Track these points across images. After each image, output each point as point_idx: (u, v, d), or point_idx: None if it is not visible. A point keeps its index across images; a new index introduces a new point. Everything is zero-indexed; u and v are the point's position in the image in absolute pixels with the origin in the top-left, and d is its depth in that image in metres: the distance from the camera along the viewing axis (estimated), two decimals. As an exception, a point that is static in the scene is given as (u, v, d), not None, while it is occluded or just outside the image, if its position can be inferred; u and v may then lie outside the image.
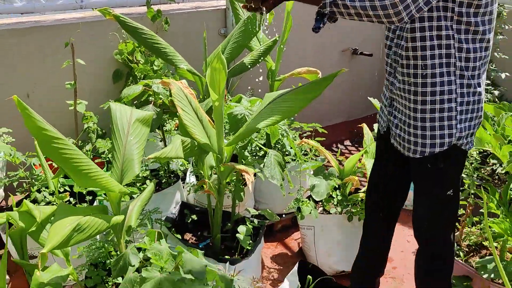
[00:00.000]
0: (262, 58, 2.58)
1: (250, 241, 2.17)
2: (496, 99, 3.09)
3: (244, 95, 2.58)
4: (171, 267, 1.54)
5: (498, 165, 2.52)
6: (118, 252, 1.88)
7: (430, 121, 1.62)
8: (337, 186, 2.50)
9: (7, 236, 1.75)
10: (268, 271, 2.59)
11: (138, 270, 1.60)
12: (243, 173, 1.89)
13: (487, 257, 2.12)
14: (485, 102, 1.92)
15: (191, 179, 2.74)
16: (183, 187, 2.73)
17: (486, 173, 2.71)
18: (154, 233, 1.71)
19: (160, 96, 2.45)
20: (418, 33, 1.57)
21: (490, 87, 3.11)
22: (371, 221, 2.08)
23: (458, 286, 2.11)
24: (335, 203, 2.46)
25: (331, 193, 2.47)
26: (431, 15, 1.54)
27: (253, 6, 1.63)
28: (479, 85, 1.63)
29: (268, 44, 2.57)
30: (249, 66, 2.54)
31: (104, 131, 2.93)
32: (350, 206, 2.43)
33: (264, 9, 1.62)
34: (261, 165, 2.31)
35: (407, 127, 1.68)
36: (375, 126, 2.36)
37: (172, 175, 2.68)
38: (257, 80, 2.69)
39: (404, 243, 2.84)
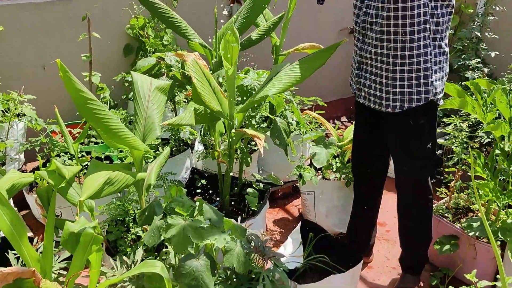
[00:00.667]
0: (268, 33, 2.73)
1: (257, 203, 2.36)
2: (486, 77, 3.27)
3: (252, 68, 2.74)
4: (192, 217, 1.72)
5: (485, 136, 2.72)
6: (139, 207, 2.06)
7: (408, 80, 1.84)
8: (336, 155, 2.69)
9: (38, 195, 1.90)
10: (271, 233, 2.79)
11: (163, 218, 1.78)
12: (254, 138, 2.06)
13: (473, 218, 2.32)
14: (477, 78, 2.14)
15: (199, 147, 2.91)
16: (192, 154, 2.90)
17: (475, 146, 2.91)
18: (175, 188, 1.89)
19: (172, 68, 2.61)
20: (401, 3, 1.75)
21: (480, 65, 3.30)
22: (357, 185, 2.33)
23: (446, 244, 2.31)
24: (334, 169, 2.65)
25: (330, 161, 2.66)
26: None
27: None
28: (446, 45, 1.87)
29: (274, 20, 2.72)
30: (256, 41, 2.70)
31: (116, 102, 3.09)
32: (348, 172, 2.61)
33: None
34: (267, 133, 2.48)
35: (384, 86, 1.88)
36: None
37: (182, 144, 2.85)
38: (260, 54, 2.84)
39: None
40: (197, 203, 1.75)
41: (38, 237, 2.50)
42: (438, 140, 2.71)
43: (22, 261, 1.79)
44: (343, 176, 2.62)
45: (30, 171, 2.73)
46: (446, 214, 2.43)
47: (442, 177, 2.70)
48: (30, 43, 2.89)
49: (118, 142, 1.77)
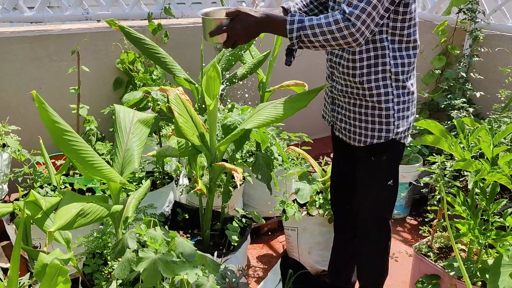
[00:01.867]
0: (253, 70, 2.78)
1: (237, 238, 2.35)
2: (471, 116, 3.31)
3: (239, 104, 2.78)
4: (164, 250, 1.71)
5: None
6: (115, 240, 2.04)
7: (371, 116, 1.88)
8: (319, 191, 2.69)
9: (19, 225, 1.90)
10: (254, 270, 2.75)
11: (135, 251, 1.77)
12: (232, 172, 2.07)
13: (454, 257, 2.30)
14: (462, 117, 2.17)
15: (184, 181, 2.91)
16: (176, 188, 2.90)
17: (461, 185, 2.91)
18: (149, 221, 1.88)
19: (158, 102, 2.65)
20: (358, 47, 1.80)
21: (466, 104, 3.33)
22: (336, 217, 2.36)
23: (427, 284, 2.28)
24: (317, 206, 2.64)
25: (314, 197, 2.65)
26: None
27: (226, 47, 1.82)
28: (412, 85, 1.89)
29: (259, 58, 2.78)
30: (241, 77, 2.75)
31: (103, 134, 3.11)
32: (330, 209, 2.61)
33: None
34: (251, 168, 2.49)
35: (352, 120, 1.93)
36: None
37: (166, 177, 2.86)
38: (247, 90, 2.89)
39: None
40: (171, 237, 1.74)
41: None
42: (423, 179, 2.73)
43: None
44: (326, 212, 2.61)
45: (10, 203, 2.72)
46: (428, 253, 2.41)
47: (425, 216, 2.69)
48: (20, 75, 2.94)
49: (94, 174, 1.78)
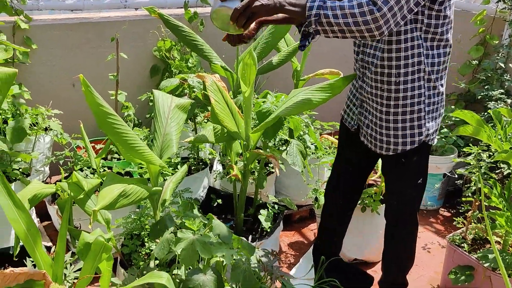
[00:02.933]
0: (288, 58, 2.80)
1: (270, 224, 2.38)
2: (510, 107, 3.25)
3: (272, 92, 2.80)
4: (201, 232, 1.76)
5: (507, 167, 2.68)
6: (154, 221, 2.11)
7: (402, 122, 1.81)
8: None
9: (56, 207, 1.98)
10: (285, 256, 2.79)
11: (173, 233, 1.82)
12: (269, 158, 2.10)
13: (489, 249, 2.28)
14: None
15: (218, 167, 2.96)
16: (210, 174, 2.95)
17: (497, 177, 2.87)
18: (187, 203, 1.93)
19: (194, 89, 2.69)
20: (395, 45, 1.72)
21: (504, 96, 3.27)
22: (330, 204, 2.32)
23: (461, 275, 2.27)
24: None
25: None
26: (406, 28, 1.70)
27: (237, 38, 1.73)
28: (442, 85, 1.82)
29: (294, 46, 2.79)
30: (276, 66, 2.77)
31: (140, 120, 3.19)
32: (364, 198, 2.61)
33: (247, 39, 1.75)
34: (283, 156, 2.51)
35: (378, 128, 1.86)
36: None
37: (201, 163, 2.91)
38: (281, 79, 2.90)
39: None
40: (208, 219, 1.79)
41: (55, 247, 2.58)
42: (458, 170, 2.70)
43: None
44: (358, 201, 2.62)
45: (53, 184, 2.83)
46: (462, 244, 2.40)
47: (460, 207, 2.67)
48: (61, 62, 3.03)
49: (135, 157, 1.83)
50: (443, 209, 3.38)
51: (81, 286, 1.52)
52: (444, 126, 3.34)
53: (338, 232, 2.37)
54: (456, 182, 3.27)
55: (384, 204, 2.31)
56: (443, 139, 3.23)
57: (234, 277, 1.65)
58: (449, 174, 3.23)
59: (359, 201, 2.60)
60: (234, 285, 1.76)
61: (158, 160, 1.90)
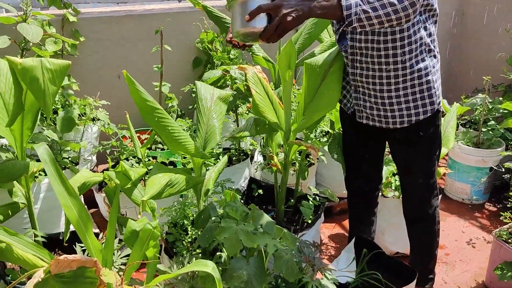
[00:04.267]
0: (331, 49, 2.76)
1: (311, 216, 2.38)
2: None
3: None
4: (244, 222, 1.78)
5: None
6: (197, 211, 2.15)
7: (412, 94, 1.83)
8: (395, 172, 2.65)
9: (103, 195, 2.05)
10: (326, 248, 2.79)
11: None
12: (309, 149, 2.09)
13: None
14: None
15: (258, 158, 2.98)
16: (251, 165, 2.98)
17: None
18: (229, 193, 1.96)
19: (236, 80, 2.71)
20: (398, 26, 1.69)
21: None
22: (353, 192, 2.36)
23: (507, 271, 2.21)
24: (393, 187, 2.62)
25: (390, 179, 2.63)
26: None
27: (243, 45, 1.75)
28: (438, 52, 1.86)
29: (337, 36, 2.76)
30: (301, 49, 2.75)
31: (183, 111, 3.24)
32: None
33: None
34: (325, 148, 2.51)
35: (388, 106, 1.86)
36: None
37: (242, 153, 2.94)
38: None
39: (458, 233, 2.95)
40: (251, 209, 1.81)
41: (103, 233, 2.67)
42: (506, 164, 2.62)
43: (87, 253, 1.93)
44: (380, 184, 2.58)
45: (101, 172, 2.92)
46: (509, 240, 2.33)
47: (507, 202, 2.59)
48: (107, 54, 3.12)
49: (179, 149, 1.87)
50: (489, 204, 3.28)
51: (129, 272, 1.57)
52: (491, 118, 3.24)
53: (366, 219, 2.39)
54: (503, 176, 3.17)
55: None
56: (490, 132, 3.14)
57: (277, 266, 1.66)
58: (496, 168, 3.13)
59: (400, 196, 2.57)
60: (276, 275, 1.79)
61: (200, 152, 1.94)
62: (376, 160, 2.24)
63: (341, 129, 2.29)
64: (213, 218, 1.82)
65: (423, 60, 1.80)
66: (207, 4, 2.64)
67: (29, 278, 1.94)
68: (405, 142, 1.99)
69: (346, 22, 1.51)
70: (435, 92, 1.86)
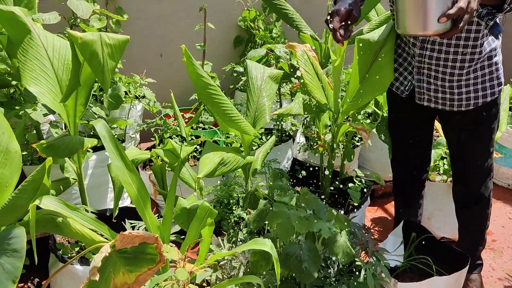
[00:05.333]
0: (378, 28, 2.68)
1: (359, 198, 2.34)
2: None
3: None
4: (294, 204, 1.75)
5: None
6: (244, 190, 2.13)
7: (482, 77, 1.78)
8: (443, 156, 2.58)
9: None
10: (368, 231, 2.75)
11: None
12: (359, 131, 2.05)
13: None
14: None
15: (301, 139, 2.94)
16: (294, 146, 2.94)
17: None
18: (277, 173, 1.93)
19: (280, 59, 2.67)
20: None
21: None
22: (400, 174, 2.30)
23: None
24: (441, 171, 2.55)
25: (437, 162, 2.56)
26: None
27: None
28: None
29: (386, 15, 2.67)
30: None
31: (224, 91, 3.21)
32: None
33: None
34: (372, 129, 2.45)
35: (456, 89, 1.81)
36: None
37: (284, 134, 2.90)
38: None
39: (505, 219, 2.87)
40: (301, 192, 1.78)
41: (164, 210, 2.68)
42: None
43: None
44: (450, 179, 2.52)
45: (147, 150, 2.93)
46: None
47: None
48: (150, 32, 3.10)
49: (231, 126, 1.85)
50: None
51: (183, 250, 1.56)
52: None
53: (413, 202, 2.35)
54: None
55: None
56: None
57: (332, 250, 1.63)
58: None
59: (449, 179, 2.51)
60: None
61: (252, 130, 1.91)
62: (426, 143, 2.18)
63: (388, 111, 2.23)
64: (264, 201, 1.80)
65: (493, 40, 1.76)
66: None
67: (78, 252, 1.96)
68: (469, 124, 1.92)
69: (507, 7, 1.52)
70: (501, 73, 1.82)
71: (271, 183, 1.93)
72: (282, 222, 1.65)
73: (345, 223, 1.74)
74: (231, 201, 2.26)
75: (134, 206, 1.85)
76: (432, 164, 2.51)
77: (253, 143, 2.60)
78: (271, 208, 1.72)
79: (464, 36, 1.71)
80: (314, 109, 2.26)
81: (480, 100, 1.81)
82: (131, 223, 2.03)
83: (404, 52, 1.95)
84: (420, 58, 1.85)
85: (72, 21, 2.29)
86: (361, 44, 2.00)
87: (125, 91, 2.68)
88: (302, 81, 2.17)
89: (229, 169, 1.79)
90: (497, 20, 1.71)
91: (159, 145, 2.65)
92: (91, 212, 2.00)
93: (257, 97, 2.04)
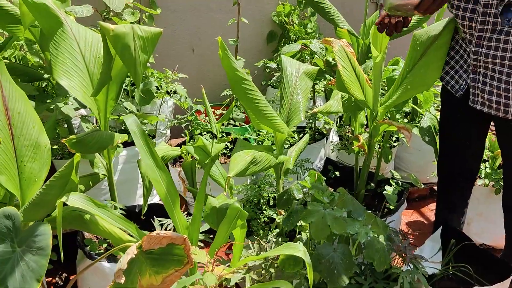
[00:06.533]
0: (420, 23, 2.57)
1: (395, 201, 2.24)
2: None
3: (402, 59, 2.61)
4: (330, 205, 1.68)
5: None
6: (276, 190, 2.07)
7: None
8: (486, 159, 2.46)
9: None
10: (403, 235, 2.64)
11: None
12: (401, 130, 1.95)
13: None
14: None
15: (334, 138, 2.85)
16: (327, 145, 2.86)
17: None
18: (314, 173, 1.86)
19: (316, 55, 2.58)
20: None
21: None
22: (448, 178, 2.15)
23: None
24: (483, 175, 2.42)
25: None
26: None
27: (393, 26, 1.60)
28: None
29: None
30: (408, 31, 2.55)
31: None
32: (498, 179, 2.37)
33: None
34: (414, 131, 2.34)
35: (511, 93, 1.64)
36: None
37: (317, 133, 2.82)
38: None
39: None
40: (339, 193, 1.70)
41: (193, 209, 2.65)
42: None
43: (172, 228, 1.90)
44: (492, 183, 2.39)
45: (177, 146, 2.90)
46: None
47: None
48: (182, 25, 3.06)
49: (265, 124, 1.79)
50: None
51: (213, 251, 1.51)
52: None
53: (458, 209, 2.21)
54: None
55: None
56: None
57: (368, 255, 1.55)
58: None
59: (493, 182, 2.38)
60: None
61: (286, 128, 1.84)
62: (478, 148, 2.05)
63: (440, 109, 2.12)
64: (297, 200, 1.73)
65: None
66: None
67: (106, 250, 1.94)
68: None
69: None
70: None
71: (308, 183, 1.85)
72: (317, 221, 1.58)
73: (383, 228, 1.65)
74: (262, 200, 2.20)
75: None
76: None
77: (285, 141, 2.54)
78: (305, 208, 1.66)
79: None
80: (351, 106, 2.17)
81: None
82: (160, 221, 1.99)
83: (461, 49, 1.83)
84: (475, 56, 1.72)
85: (104, 14, 2.26)
86: (414, 39, 1.92)
87: (156, 86, 2.65)
88: (339, 77, 2.09)
89: (260, 168, 1.73)
90: (480, 10, 1.58)
91: (189, 142, 2.61)
92: (120, 208, 1.97)
93: (291, 94, 1.97)
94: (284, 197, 1.80)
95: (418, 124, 2.30)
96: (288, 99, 1.96)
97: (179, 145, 2.72)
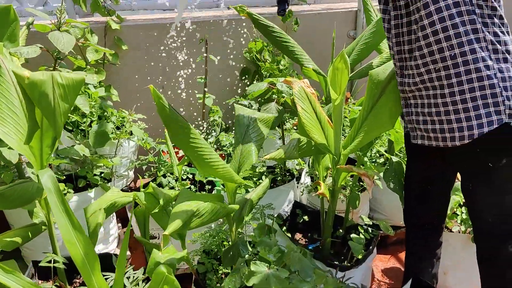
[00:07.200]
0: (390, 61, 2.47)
1: (362, 251, 2.10)
2: None
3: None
4: (279, 263, 1.54)
5: None
6: (230, 242, 1.93)
7: (472, 100, 1.50)
8: (462, 204, 2.31)
9: (132, 215, 1.88)
10: (378, 285, 2.48)
11: (246, 262, 1.62)
12: (362, 177, 1.82)
13: None
14: None
15: (306, 179, 2.72)
16: (297, 187, 2.72)
17: None
18: (264, 226, 1.72)
19: (283, 94, 2.48)
20: (436, 15, 1.47)
21: None
22: (412, 226, 2.05)
23: None
24: (459, 221, 2.28)
25: (455, 210, 2.30)
26: None
27: None
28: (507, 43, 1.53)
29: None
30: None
31: (227, 125, 3.04)
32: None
33: None
34: (381, 173, 2.22)
35: (443, 116, 1.55)
36: None
37: (287, 174, 2.69)
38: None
39: None
40: (286, 249, 1.56)
41: (131, 257, 2.50)
42: None
43: None
44: (469, 229, 2.24)
45: (136, 189, 2.78)
46: None
47: None
48: (150, 63, 2.98)
49: (210, 173, 1.66)
50: None
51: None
52: None
53: (427, 258, 2.08)
54: None
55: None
56: None
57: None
58: None
59: (469, 229, 2.23)
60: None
61: (235, 176, 1.71)
62: (440, 192, 1.92)
63: (404, 153, 2.01)
64: (244, 257, 1.59)
65: (483, 59, 1.49)
66: (256, 12, 2.43)
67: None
68: (470, 167, 1.64)
69: None
70: (503, 101, 1.50)
71: (257, 237, 1.72)
72: (260, 283, 1.44)
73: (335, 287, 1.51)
74: (220, 250, 2.06)
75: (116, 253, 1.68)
76: (449, 212, 2.24)
77: (248, 185, 2.41)
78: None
79: (426, 52, 1.54)
80: (313, 150, 2.05)
81: (475, 131, 1.52)
82: (104, 275, 1.85)
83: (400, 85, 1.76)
84: (401, 87, 1.68)
85: (56, 54, 2.17)
86: (371, 78, 1.83)
87: (118, 126, 2.55)
88: (299, 119, 1.98)
89: (206, 220, 1.59)
90: (393, 40, 1.61)
91: (144, 187, 2.48)
92: (62, 262, 1.83)
93: (242, 139, 1.86)
94: (231, 253, 1.67)
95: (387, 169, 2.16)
96: (239, 148, 1.84)
97: (144, 186, 2.60)
